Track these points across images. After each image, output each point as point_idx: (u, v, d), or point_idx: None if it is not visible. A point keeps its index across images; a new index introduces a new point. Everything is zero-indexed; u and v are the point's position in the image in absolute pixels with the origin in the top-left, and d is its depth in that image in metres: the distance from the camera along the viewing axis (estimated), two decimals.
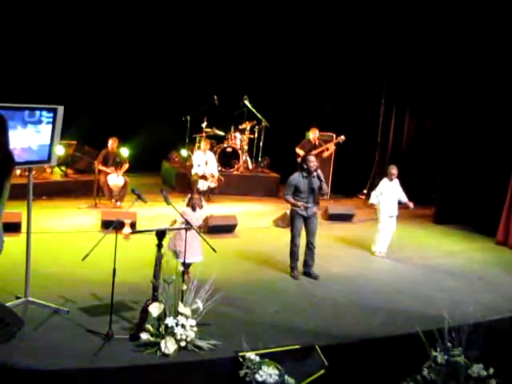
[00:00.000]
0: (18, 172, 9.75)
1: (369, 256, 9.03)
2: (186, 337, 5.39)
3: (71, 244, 8.29)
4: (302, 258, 7.88)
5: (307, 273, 7.84)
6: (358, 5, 12.90)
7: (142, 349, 5.32)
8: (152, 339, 5.37)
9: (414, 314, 6.72)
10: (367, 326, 6.36)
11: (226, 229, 9.63)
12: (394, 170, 8.96)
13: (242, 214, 10.52)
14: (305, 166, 7.66)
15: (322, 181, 7.72)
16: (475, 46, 10.97)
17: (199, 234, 6.75)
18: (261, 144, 13.62)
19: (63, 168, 12.16)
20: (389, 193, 8.92)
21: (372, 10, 12.78)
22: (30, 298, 6.07)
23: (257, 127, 13.48)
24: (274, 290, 7.26)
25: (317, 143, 12.19)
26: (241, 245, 9.13)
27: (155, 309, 5.44)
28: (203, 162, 11.89)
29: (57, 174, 12.17)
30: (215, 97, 13.15)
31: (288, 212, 8.28)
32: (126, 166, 11.28)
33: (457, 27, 11.32)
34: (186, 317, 5.51)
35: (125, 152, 11.45)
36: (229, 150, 13.16)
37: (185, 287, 5.71)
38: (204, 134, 12.90)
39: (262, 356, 5.30)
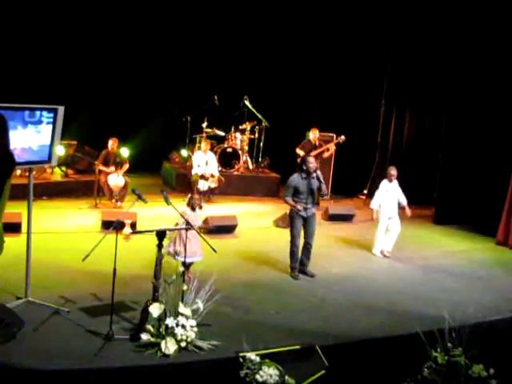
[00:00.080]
0: (18, 172, 9.75)
1: (369, 256, 9.03)
2: (187, 337, 5.39)
3: (71, 244, 8.29)
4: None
5: (303, 271, 7.86)
6: (358, 5, 12.91)
7: (142, 349, 5.32)
8: (152, 340, 5.38)
9: (415, 314, 6.71)
10: (367, 326, 6.36)
11: (227, 229, 9.63)
12: (393, 171, 8.97)
13: (242, 215, 10.53)
14: (304, 167, 7.67)
15: (322, 182, 7.73)
16: (475, 46, 10.97)
17: (199, 234, 6.75)
18: (261, 144, 13.62)
19: (63, 168, 12.16)
20: (389, 194, 8.93)
21: (372, 10, 12.79)
22: (31, 299, 6.07)
23: (257, 127, 13.48)
24: (275, 291, 7.26)
25: (317, 143, 12.18)
26: (241, 245, 9.13)
27: (155, 309, 5.45)
28: (203, 162, 11.89)
29: (57, 175, 12.17)
30: (215, 97, 13.15)
31: (288, 212, 8.28)
32: (127, 166, 11.28)
33: (457, 28, 11.32)
34: (187, 317, 5.51)
35: (125, 152, 11.46)
36: (229, 150, 13.16)
37: (185, 287, 5.71)
38: (204, 135, 12.90)
39: (262, 356, 5.30)
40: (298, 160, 9.59)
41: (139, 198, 5.81)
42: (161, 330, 5.43)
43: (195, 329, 5.48)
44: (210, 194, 12.04)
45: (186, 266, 6.86)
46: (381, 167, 12.65)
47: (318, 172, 7.75)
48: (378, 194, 9.03)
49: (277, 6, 13.70)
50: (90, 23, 13.03)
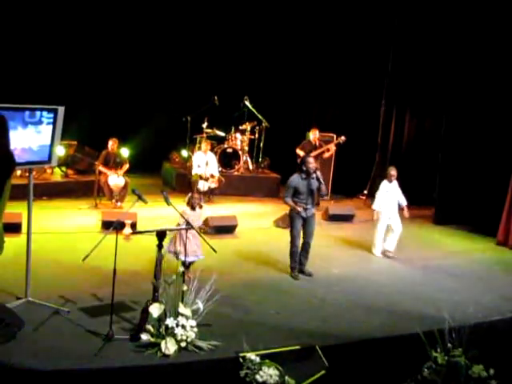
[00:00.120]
0: (18, 172, 9.74)
1: (369, 256, 9.04)
2: (187, 337, 5.39)
3: (72, 244, 8.29)
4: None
5: (301, 270, 7.88)
6: (358, 6, 12.91)
7: (142, 349, 5.33)
8: (152, 340, 5.38)
9: (415, 314, 6.72)
10: (367, 326, 6.36)
11: (227, 229, 9.63)
12: (393, 172, 8.98)
13: (242, 215, 10.52)
14: (304, 168, 7.68)
15: (321, 182, 7.73)
16: (475, 46, 10.97)
17: (200, 234, 6.76)
18: (261, 145, 13.61)
19: (63, 168, 12.16)
20: (389, 194, 8.94)
21: (372, 10, 12.80)
22: (31, 299, 6.07)
23: (257, 128, 13.48)
24: (275, 291, 7.26)
25: (317, 144, 12.18)
26: (241, 245, 9.13)
27: (155, 309, 5.45)
28: (203, 162, 11.89)
29: (57, 175, 12.16)
30: (216, 97, 13.15)
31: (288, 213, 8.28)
32: (127, 166, 11.29)
33: (457, 28, 11.32)
34: (187, 317, 5.51)
35: (125, 152, 11.46)
36: (229, 150, 13.16)
37: (185, 288, 5.71)
38: (204, 135, 12.89)
39: (262, 357, 5.30)
40: (298, 160, 9.60)
41: (139, 198, 5.81)
42: (161, 330, 5.43)
43: (195, 329, 5.48)
44: (210, 195, 12.04)
45: (186, 266, 6.87)
46: (381, 167, 12.64)
47: (318, 172, 7.75)
48: (378, 194, 9.04)
49: (277, 6, 13.70)
50: (90, 23, 13.03)
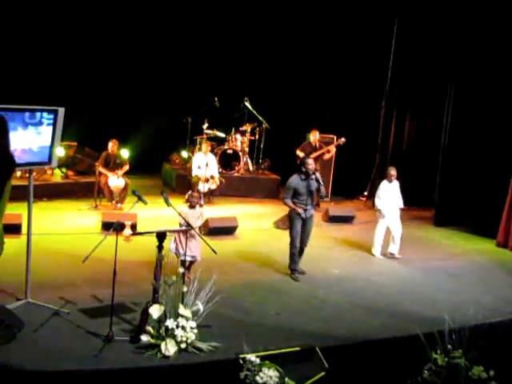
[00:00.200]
0: (18, 173, 9.74)
1: (369, 257, 9.03)
2: (187, 339, 5.39)
3: (72, 246, 8.29)
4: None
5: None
6: (358, 7, 12.92)
7: (142, 350, 5.33)
8: (152, 341, 5.38)
9: (415, 315, 6.71)
10: (368, 327, 6.36)
11: (227, 230, 9.63)
12: (393, 172, 8.99)
13: (242, 216, 10.52)
14: (303, 169, 7.68)
15: (321, 183, 7.74)
16: (475, 47, 10.98)
17: (199, 235, 6.76)
18: (261, 146, 13.62)
19: (64, 169, 12.15)
20: (388, 194, 8.94)
21: (372, 12, 12.80)
22: (31, 300, 6.08)
23: (257, 129, 13.48)
24: (275, 292, 7.26)
25: (317, 145, 12.18)
26: (241, 246, 9.12)
27: (155, 310, 5.44)
28: (204, 163, 11.89)
29: (57, 176, 12.15)
30: (216, 98, 13.15)
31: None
32: (127, 167, 11.28)
33: (457, 29, 11.32)
34: (187, 319, 5.51)
35: (125, 154, 11.46)
36: (229, 151, 13.16)
37: (185, 289, 5.71)
38: (205, 136, 12.90)
39: (262, 358, 5.30)
40: (298, 162, 9.60)
41: (139, 199, 5.81)
42: (161, 331, 5.43)
43: (195, 330, 5.48)
44: (210, 196, 12.04)
45: (187, 267, 6.87)
46: (381, 169, 12.63)
47: (317, 173, 7.77)
48: (378, 194, 9.02)
49: (277, 7, 13.70)
50: (90, 25, 13.03)
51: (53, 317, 5.88)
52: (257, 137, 13.53)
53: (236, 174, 13.25)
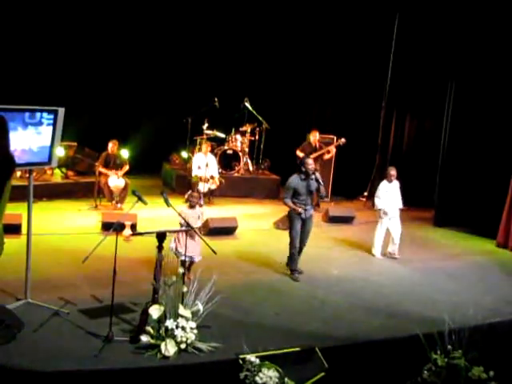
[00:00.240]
0: (18, 174, 9.75)
1: (369, 258, 9.03)
2: (186, 339, 5.39)
3: (71, 246, 8.28)
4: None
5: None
6: (359, 8, 12.92)
7: (142, 351, 5.33)
8: (152, 341, 5.38)
9: (415, 316, 6.71)
10: (367, 328, 6.36)
11: (227, 231, 9.63)
12: (393, 172, 8.99)
13: (242, 216, 10.53)
14: (303, 169, 7.69)
15: (320, 183, 7.74)
16: (475, 47, 10.98)
17: (199, 236, 6.76)
18: (261, 146, 13.62)
19: (64, 170, 12.15)
20: (388, 194, 8.94)
21: (372, 13, 12.80)
22: (30, 300, 6.07)
23: (257, 129, 13.48)
24: (274, 292, 7.26)
25: (317, 146, 12.18)
26: (241, 247, 9.12)
27: (155, 311, 5.44)
28: (204, 164, 11.89)
29: (57, 176, 12.14)
30: (216, 99, 13.16)
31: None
32: (127, 167, 11.28)
33: (456, 29, 11.33)
34: (187, 319, 5.51)
35: (125, 154, 11.45)
36: (229, 152, 13.17)
37: (185, 289, 5.71)
38: (205, 136, 12.90)
39: (262, 358, 5.30)
40: (298, 162, 9.60)
41: (139, 199, 5.81)
42: (161, 331, 5.43)
43: (195, 330, 5.48)
44: (210, 196, 12.04)
45: (187, 267, 6.87)
46: (381, 169, 12.64)
47: (317, 173, 7.77)
48: (378, 194, 9.02)
49: (278, 8, 13.70)
50: (90, 25, 13.02)
51: (53, 317, 5.88)
52: (257, 137, 13.53)
53: (236, 175, 13.25)
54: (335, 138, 12.60)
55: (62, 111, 6.00)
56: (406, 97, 12.91)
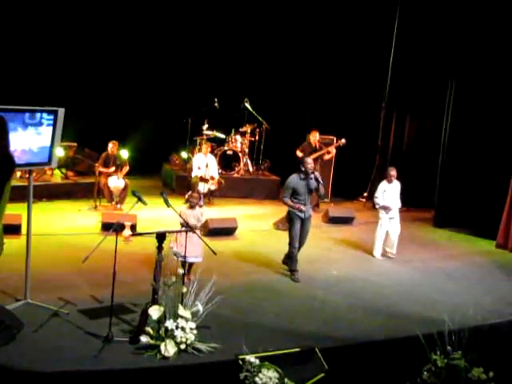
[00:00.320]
0: (18, 174, 9.75)
1: (369, 258, 9.04)
2: (186, 339, 5.39)
3: (71, 246, 8.28)
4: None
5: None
6: (359, 9, 12.93)
7: (141, 351, 5.32)
8: (152, 342, 5.37)
9: (414, 316, 6.71)
10: (367, 328, 6.36)
11: (227, 231, 9.63)
12: (392, 172, 8.99)
13: (242, 217, 10.53)
14: (302, 168, 7.69)
15: (320, 182, 7.74)
16: (475, 48, 10.99)
17: (199, 236, 6.75)
18: (261, 147, 13.62)
19: (63, 170, 12.15)
20: (388, 194, 8.94)
21: (372, 13, 12.81)
22: (30, 301, 6.07)
23: (257, 130, 13.49)
24: (274, 293, 7.26)
25: (317, 146, 12.17)
26: (241, 247, 9.12)
27: (155, 311, 5.44)
28: (204, 164, 11.89)
29: (57, 176, 12.14)
30: (216, 99, 13.15)
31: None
32: (127, 168, 11.28)
33: (456, 29, 11.33)
34: (186, 319, 5.51)
35: (125, 154, 11.45)
36: (229, 152, 13.17)
37: (185, 290, 5.71)
38: (205, 137, 12.90)
39: (261, 359, 5.29)
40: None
41: (139, 200, 5.81)
42: (160, 332, 5.42)
43: (195, 331, 5.48)
44: (210, 197, 12.04)
45: (187, 267, 6.87)
46: (381, 170, 12.63)
47: (317, 173, 7.78)
48: (377, 194, 9.03)
49: (278, 8, 13.71)
50: (90, 25, 13.03)
51: (52, 317, 5.88)
52: (257, 138, 13.53)
53: (236, 175, 13.25)
54: (335, 138, 12.59)
55: (61, 112, 6.00)
56: (406, 97, 12.91)
